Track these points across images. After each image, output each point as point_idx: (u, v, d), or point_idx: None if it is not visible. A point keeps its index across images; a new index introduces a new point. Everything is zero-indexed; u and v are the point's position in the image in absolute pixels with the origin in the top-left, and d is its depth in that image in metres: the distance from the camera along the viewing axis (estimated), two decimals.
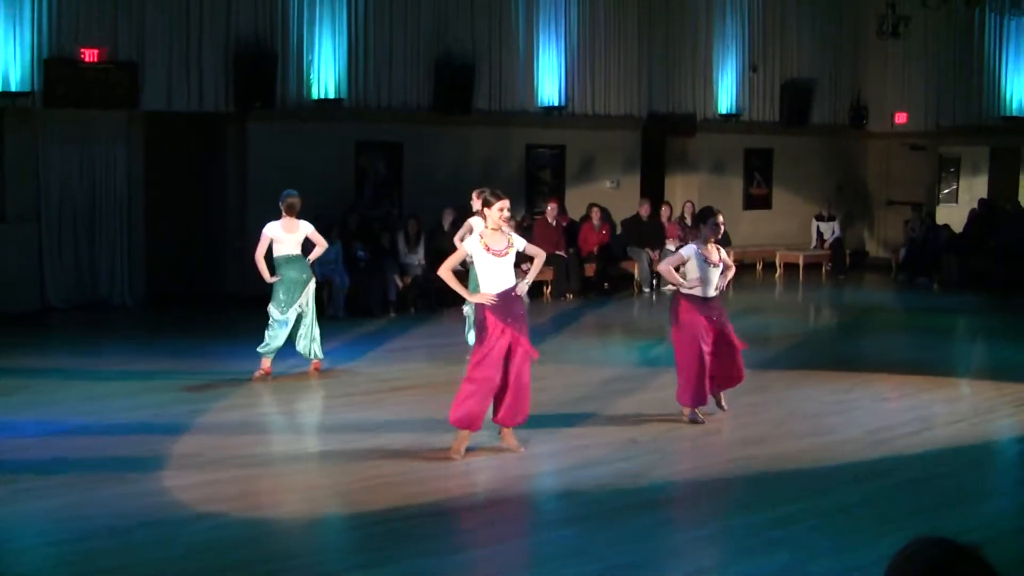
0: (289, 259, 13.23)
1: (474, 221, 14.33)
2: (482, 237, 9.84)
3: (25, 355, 14.47)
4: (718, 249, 11.23)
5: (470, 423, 9.82)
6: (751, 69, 25.20)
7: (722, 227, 11.23)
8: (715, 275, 11.11)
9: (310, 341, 13.36)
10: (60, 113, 17.56)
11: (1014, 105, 24.58)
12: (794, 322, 18.94)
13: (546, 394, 12.32)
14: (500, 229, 9.84)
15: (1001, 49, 24.74)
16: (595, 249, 21.28)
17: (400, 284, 18.59)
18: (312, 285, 13.40)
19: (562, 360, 14.43)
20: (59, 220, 17.87)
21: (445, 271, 10.02)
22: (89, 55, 17.48)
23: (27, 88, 17.16)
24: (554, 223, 20.76)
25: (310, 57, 19.60)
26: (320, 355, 13.48)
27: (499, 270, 9.77)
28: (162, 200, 19.46)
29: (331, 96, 19.74)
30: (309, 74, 19.63)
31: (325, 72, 19.72)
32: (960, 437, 10.96)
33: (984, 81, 24.98)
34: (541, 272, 19.90)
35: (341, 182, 19.76)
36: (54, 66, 17.25)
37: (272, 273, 13.26)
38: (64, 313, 17.70)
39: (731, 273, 11.47)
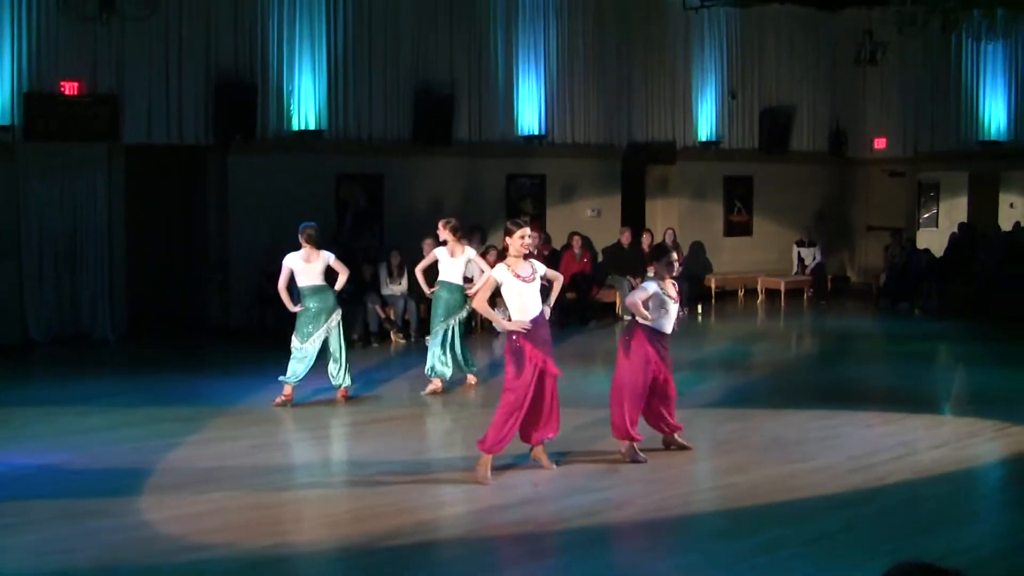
0: (313, 289, 13.38)
1: (439, 251, 14.42)
2: (508, 266, 10.12)
3: (5, 389, 14.40)
4: (674, 285, 11.16)
5: (500, 449, 10.17)
6: (730, 96, 25.31)
7: (676, 265, 11.10)
8: (675, 311, 11.08)
9: (340, 368, 13.56)
10: (40, 146, 17.54)
11: (992, 130, 24.72)
12: (776, 348, 18.96)
13: None
14: (522, 257, 10.14)
15: (978, 74, 24.89)
16: (576, 277, 21.30)
17: (382, 315, 18.60)
18: (337, 315, 13.50)
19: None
20: (40, 253, 17.82)
21: (480, 303, 10.34)
22: (69, 88, 17.50)
23: (7, 122, 17.17)
24: (535, 252, 20.76)
25: (290, 89, 19.64)
26: (348, 382, 13.67)
27: (528, 296, 10.09)
28: (143, 233, 19.45)
29: (311, 127, 19.78)
30: (289, 106, 19.66)
31: (305, 104, 19.75)
32: (942, 462, 10.98)
33: (962, 106, 25.13)
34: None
35: (322, 214, 19.72)
36: (34, 100, 17.26)
37: (296, 303, 13.45)
38: (45, 347, 17.64)
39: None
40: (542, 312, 10.21)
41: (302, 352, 13.36)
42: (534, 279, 10.12)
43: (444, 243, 14.46)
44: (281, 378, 13.44)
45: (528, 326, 9.99)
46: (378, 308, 18.55)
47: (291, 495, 9.92)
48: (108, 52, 17.93)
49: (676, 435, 11.31)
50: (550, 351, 10.22)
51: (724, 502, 9.84)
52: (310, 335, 13.35)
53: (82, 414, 12.94)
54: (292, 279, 13.44)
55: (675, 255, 11.13)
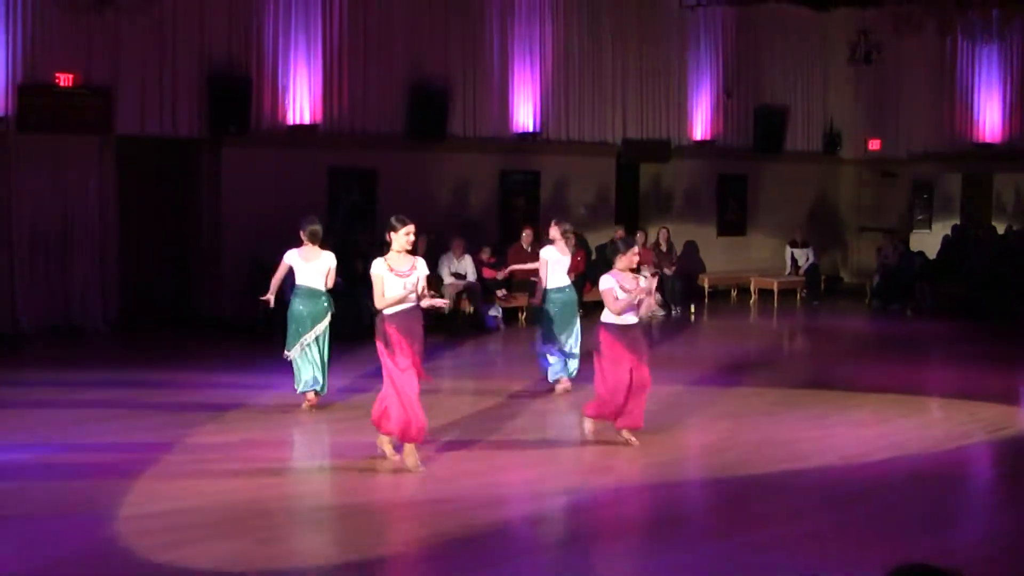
0: (308, 292, 12.75)
1: (546, 252, 13.97)
2: (387, 260, 10.34)
3: None
4: (636, 277, 11.33)
5: (417, 435, 10.29)
6: (726, 95, 25.31)
7: (636, 258, 11.40)
8: (633, 300, 11.13)
9: (322, 373, 12.84)
10: (33, 138, 17.46)
11: (986, 131, 24.73)
12: (769, 348, 18.97)
13: (522, 420, 12.35)
14: (404, 252, 10.38)
15: (973, 76, 24.90)
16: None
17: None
18: (326, 321, 12.85)
19: (536, 386, 14.39)
20: (32, 245, 17.76)
21: (381, 301, 10.36)
22: (63, 79, 17.43)
23: (0, 113, 17.08)
24: (529, 249, 20.74)
25: (284, 82, 19.58)
26: (323, 388, 12.95)
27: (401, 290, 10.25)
28: (135, 225, 19.37)
29: (305, 121, 19.72)
30: (283, 99, 19.61)
31: (299, 97, 19.71)
32: (935, 463, 10.98)
33: (956, 107, 25.15)
34: (516, 297, 20.04)
35: (315, 208, 19.64)
36: (28, 91, 17.18)
37: (285, 300, 13.00)
38: (36, 338, 17.57)
39: (649, 300, 11.32)
40: (417, 307, 10.34)
41: (295, 359, 12.77)
42: (409, 275, 10.27)
43: (551, 241, 14.05)
44: (299, 389, 12.88)
45: (446, 304, 10.45)
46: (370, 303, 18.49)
47: (282, 490, 9.89)
48: (102, 43, 17.85)
49: (626, 431, 11.30)
50: (419, 349, 10.36)
51: (716, 501, 9.84)
52: (294, 340, 12.75)
53: (72, 406, 12.90)
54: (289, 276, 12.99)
55: (636, 248, 11.46)
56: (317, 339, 12.81)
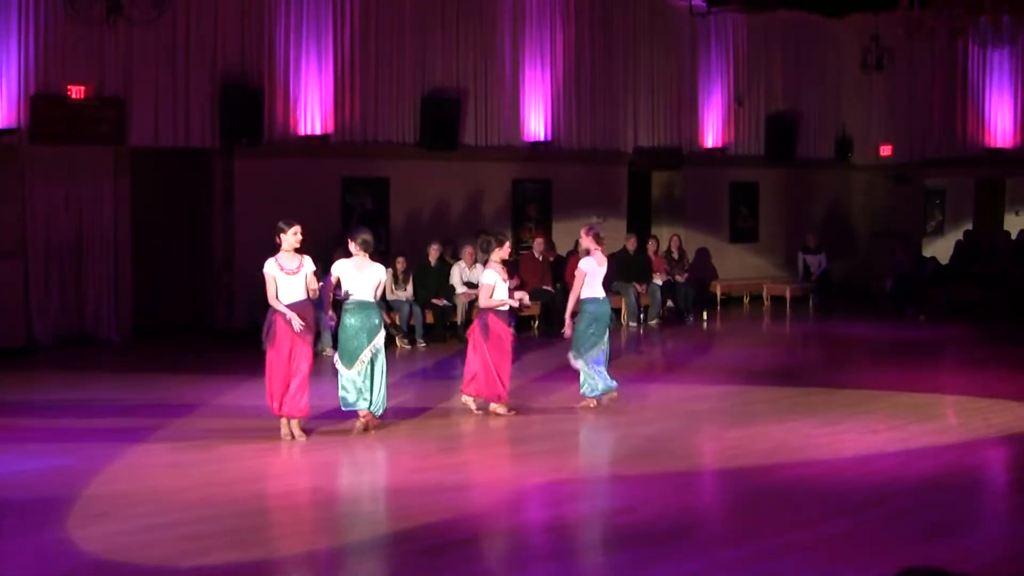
0: (359, 305, 12.00)
1: (587, 264, 13.39)
2: (277, 259, 11.60)
3: (10, 391, 14.38)
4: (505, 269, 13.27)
5: (282, 411, 11.70)
6: (737, 102, 25.30)
7: (506, 252, 13.22)
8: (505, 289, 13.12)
9: (377, 393, 12.11)
10: (47, 149, 17.53)
11: (998, 136, 24.70)
12: (781, 354, 18.93)
13: (531, 428, 12.33)
14: (293, 251, 11.59)
15: (984, 80, 24.87)
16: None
17: (387, 320, 18.55)
18: (381, 336, 12.12)
19: (548, 395, 14.37)
20: (46, 256, 17.81)
21: (272, 300, 11.66)
22: (76, 91, 17.48)
23: (13, 125, 17.15)
24: (540, 258, 20.76)
25: (296, 93, 19.62)
26: (378, 409, 12.20)
27: (292, 286, 11.57)
28: (149, 236, 19.43)
29: (317, 131, 19.76)
30: (296, 110, 19.65)
31: (312, 107, 19.74)
32: (947, 468, 10.95)
33: (968, 113, 25.11)
34: (529, 307, 20.01)
35: (327, 218, 19.72)
36: (41, 102, 17.25)
37: (338, 315, 12.25)
38: (50, 349, 17.63)
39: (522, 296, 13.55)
40: (306, 300, 11.62)
41: (349, 377, 11.97)
42: (298, 273, 11.58)
43: (587, 252, 13.56)
44: (343, 408, 12.22)
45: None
46: (383, 313, 18.50)
47: (296, 500, 9.91)
48: (115, 55, 17.91)
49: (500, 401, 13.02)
50: (308, 335, 11.63)
51: (729, 508, 9.83)
52: (353, 358, 11.94)
53: (86, 417, 12.94)
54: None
55: (507, 248, 13.27)
56: (374, 356, 12.09)
